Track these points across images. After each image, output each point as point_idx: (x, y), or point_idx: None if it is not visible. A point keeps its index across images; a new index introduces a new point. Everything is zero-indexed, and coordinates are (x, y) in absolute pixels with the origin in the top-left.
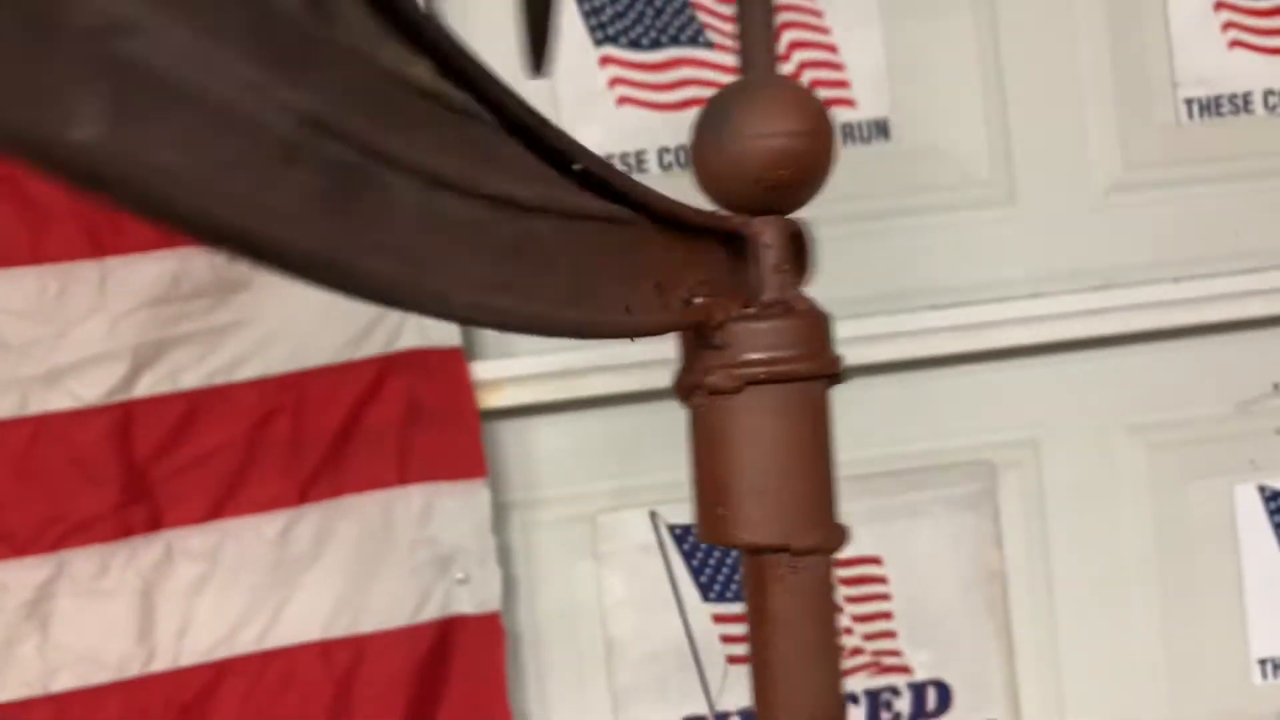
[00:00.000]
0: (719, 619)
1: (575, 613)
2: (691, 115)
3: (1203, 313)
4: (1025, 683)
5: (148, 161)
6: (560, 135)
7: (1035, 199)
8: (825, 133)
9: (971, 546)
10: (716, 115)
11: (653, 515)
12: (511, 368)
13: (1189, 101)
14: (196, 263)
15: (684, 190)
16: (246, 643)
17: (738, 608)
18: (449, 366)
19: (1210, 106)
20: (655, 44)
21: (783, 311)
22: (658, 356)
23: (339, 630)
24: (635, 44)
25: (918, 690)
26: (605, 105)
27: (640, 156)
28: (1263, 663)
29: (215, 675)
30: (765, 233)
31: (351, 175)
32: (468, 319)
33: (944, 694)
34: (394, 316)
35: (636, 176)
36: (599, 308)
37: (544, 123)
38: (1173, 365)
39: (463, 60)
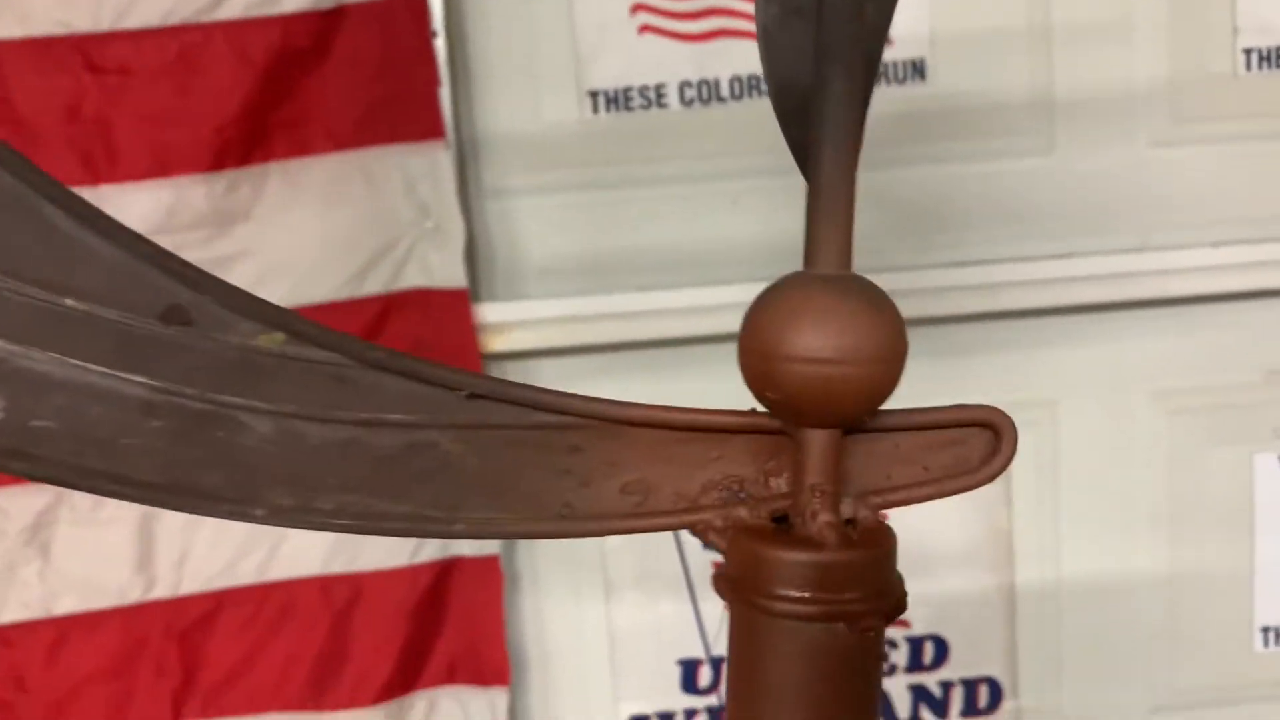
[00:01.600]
0: (719, 564)
1: (573, 555)
2: (718, 48)
3: (1241, 279)
4: (1024, 642)
5: (33, 425)
6: (435, 369)
7: (1074, 151)
8: (889, 358)
9: (980, 505)
10: (760, 317)
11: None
12: (518, 311)
13: (1248, 51)
14: (193, 192)
15: (710, 128)
16: (246, 574)
17: None
18: (453, 307)
19: (1271, 58)
20: None
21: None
22: (667, 306)
23: (338, 566)
24: None
25: (915, 643)
26: (626, 34)
27: (660, 90)
28: (1265, 631)
29: (214, 605)
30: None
31: (204, 418)
32: (337, 522)
33: (941, 648)
34: (398, 251)
35: (655, 111)
36: (515, 508)
37: (409, 363)
38: (1202, 330)
39: (311, 329)
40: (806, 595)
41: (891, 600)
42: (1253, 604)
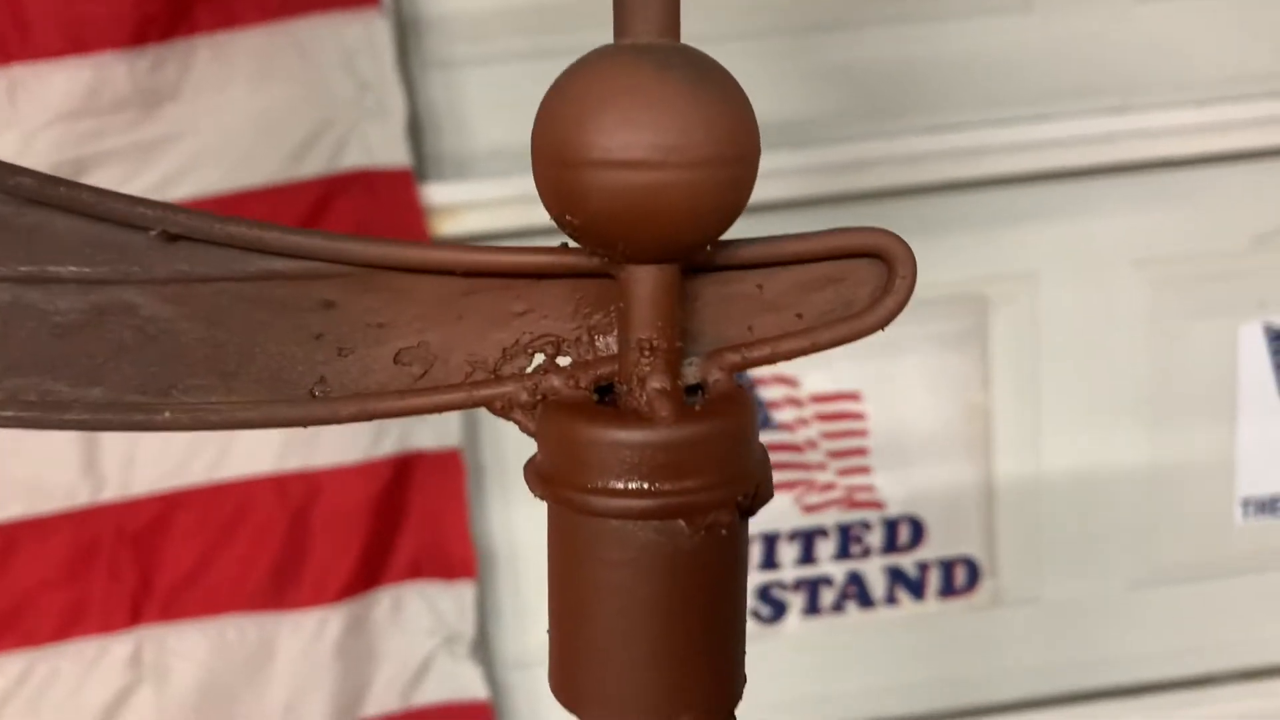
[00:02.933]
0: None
1: None
2: None
3: (1227, 140)
4: (1001, 522)
5: None
6: (117, 201)
7: (1052, 6)
8: (733, 160)
9: (956, 384)
10: (552, 110)
11: None
12: (468, 192)
13: None
14: (114, 71)
15: None
16: (197, 474)
17: None
18: (397, 189)
19: None
20: None
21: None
22: None
23: (293, 463)
24: None
25: (890, 525)
26: None
27: None
28: (1245, 503)
29: (166, 506)
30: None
31: None
32: (4, 414)
33: (917, 529)
34: (337, 130)
35: None
36: (250, 388)
37: (81, 193)
38: (1187, 196)
39: None
40: (634, 486)
41: (747, 487)
42: (1234, 477)
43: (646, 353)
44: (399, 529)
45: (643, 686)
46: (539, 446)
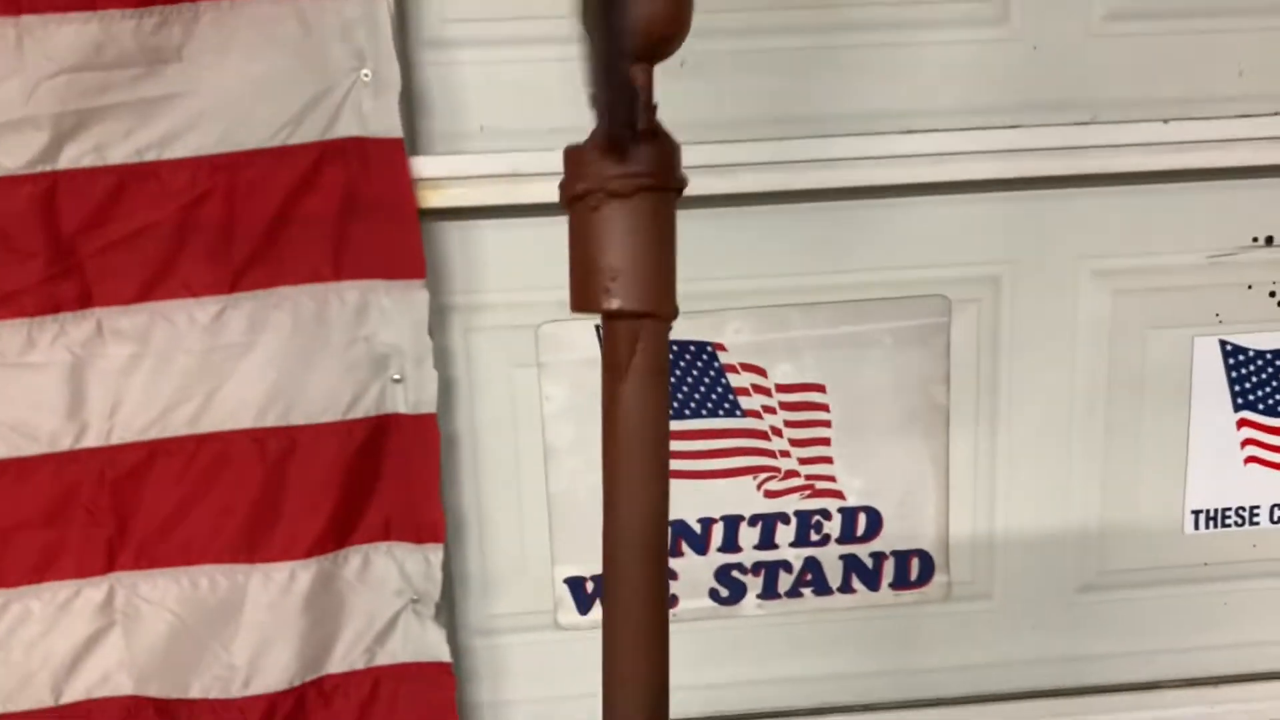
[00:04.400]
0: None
1: (515, 419)
2: None
3: (1191, 158)
4: (957, 517)
5: None
6: None
7: (1028, 20)
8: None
9: (918, 380)
10: None
11: (598, 329)
12: (457, 166)
13: None
14: (120, 27)
15: None
16: (179, 424)
17: (676, 424)
18: (388, 158)
19: None
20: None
21: (655, 138)
22: None
23: (272, 419)
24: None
25: (848, 515)
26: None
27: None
28: (1196, 513)
29: (147, 454)
30: (641, 78)
31: None
32: None
33: (874, 521)
34: (333, 98)
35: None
36: None
37: None
38: (1150, 210)
39: None
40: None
41: None
42: (1185, 487)
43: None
44: (372, 490)
45: None
46: None
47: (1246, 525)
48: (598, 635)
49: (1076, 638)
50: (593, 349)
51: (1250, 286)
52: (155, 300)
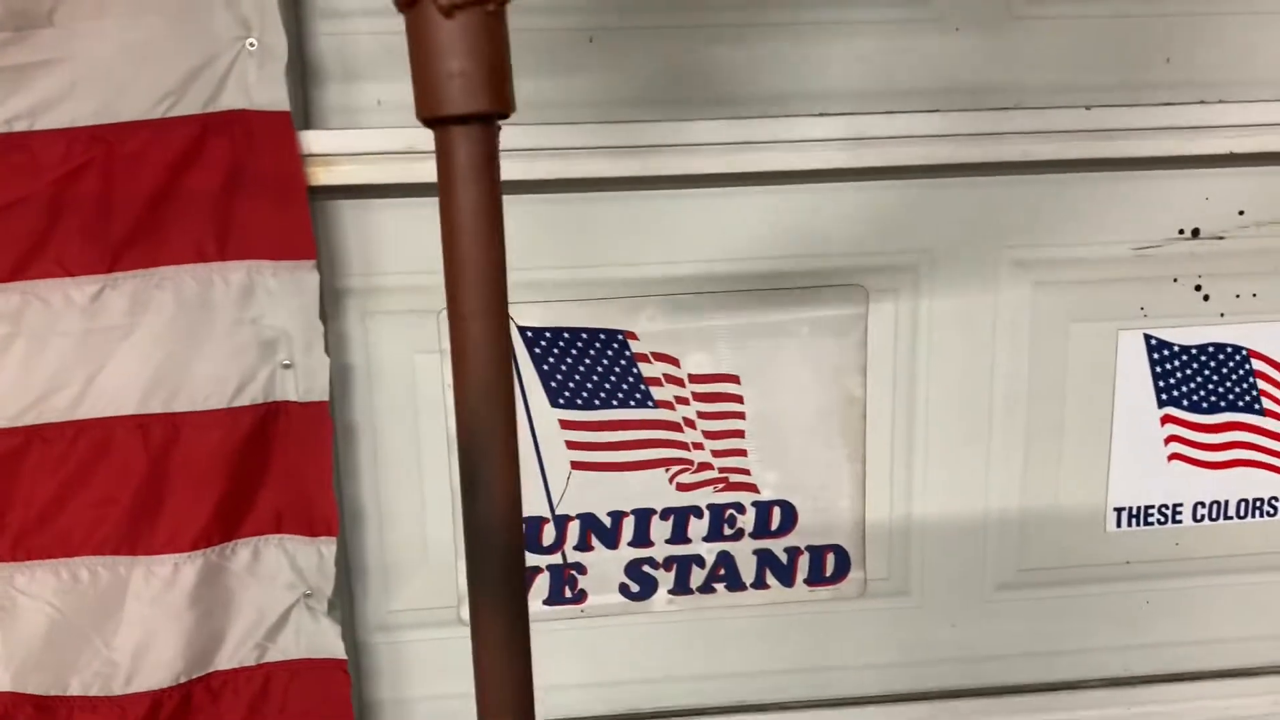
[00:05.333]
0: (566, 424)
1: (416, 407)
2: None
3: (1116, 146)
4: (874, 512)
5: None
6: None
7: (950, 1)
8: None
9: (834, 371)
10: None
11: (517, 327)
12: (351, 141)
13: None
14: None
15: None
16: (57, 410)
17: (586, 415)
18: (275, 132)
19: None
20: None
21: None
22: (521, 144)
23: (155, 405)
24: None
25: (763, 509)
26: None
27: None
28: (1119, 511)
29: (23, 441)
30: None
31: None
32: None
33: (788, 515)
34: (216, 68)
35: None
36: None
37: None
38: (1073, 199)
39: None
40: None
41: None
42: (1108, 484)
43: None
44: (261, 481)
45: None
46: None
47: (1169, 523)
48: None
49: (994, 636)
50: None
51: (1176, 279)
52: (28, 279)
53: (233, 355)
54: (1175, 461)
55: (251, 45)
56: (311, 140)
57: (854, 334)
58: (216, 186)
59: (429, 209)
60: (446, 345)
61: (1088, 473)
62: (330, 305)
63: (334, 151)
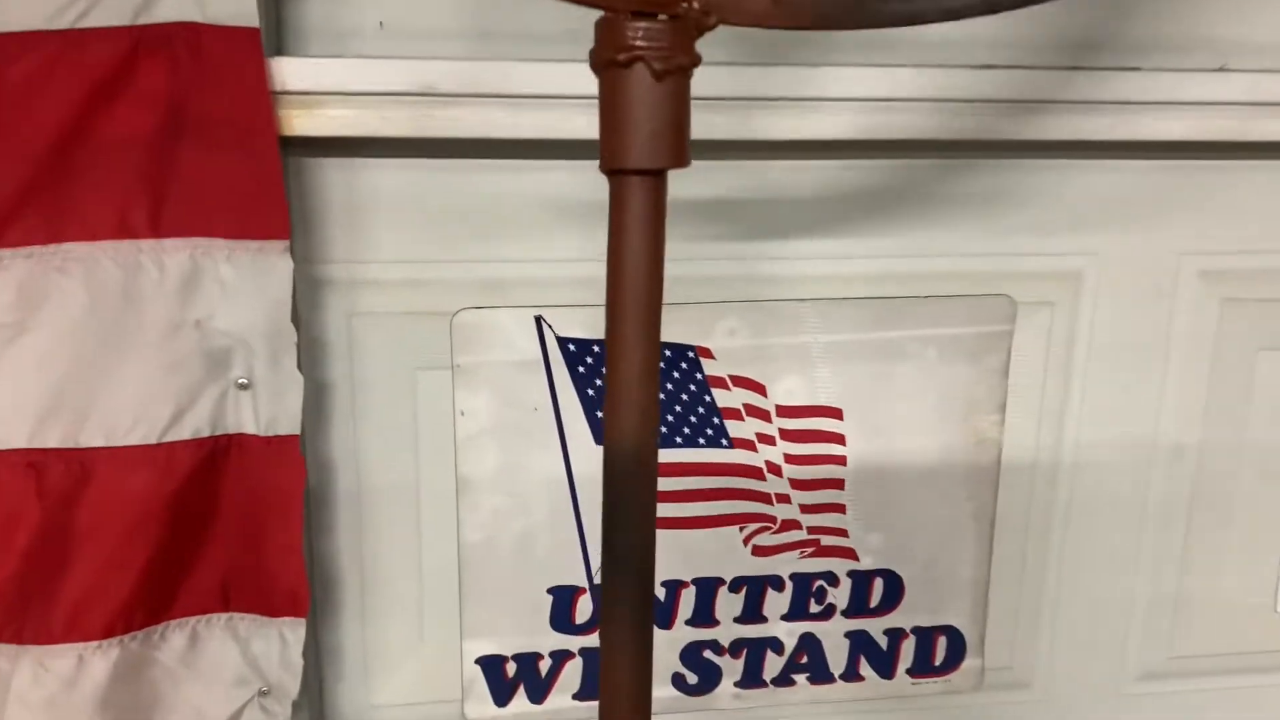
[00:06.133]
0: None
1: (416, 441)
2: None
3: None
4: (999, 586)
5: None
6: None
7: None
8: None
9: (963, 405)
10: None
11: (539, 321)
12: (342, 75)
13: None
14: None
15: None
16: None
17: None
18: (236, 57)
19: None
20: None
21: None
22: (558, 90)
23: (54, 438)
24: None
25: (860, 581)
26: None
27: None
28: None
29: None
30: None
31: None
32: None
33: (893, 588)
34: None
35: None
36: None
37: None
38: (1265, 193)
39: None
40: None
41: None
42: None
43: None
44: (203, 541)
45: None
46: None
47: None
48: None
49: None
50: (528, 347)
51: None
52: None
53: (168, 370)
54: None
55: None
56: (286, 71)
57: (993, 359)
58: (148, 132)
59: (444, 174)
60: (460, 359)
61: (1259, 540)
62: (306, 304)
63: (318, 89)
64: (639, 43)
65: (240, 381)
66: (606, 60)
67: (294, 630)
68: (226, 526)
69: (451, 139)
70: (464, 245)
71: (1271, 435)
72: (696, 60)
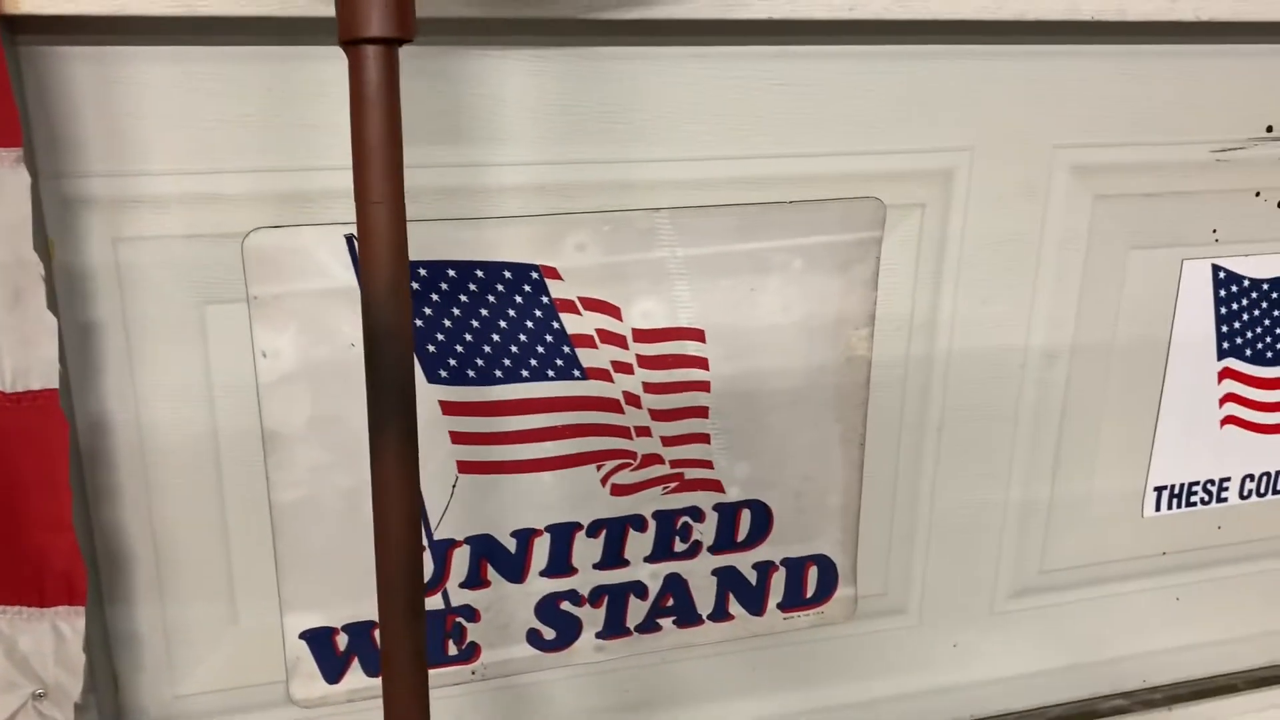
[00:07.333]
0: (450, 408)
1: (210, 389)
2: None
3: (1232, 6)
4: (870, 513)
5: None
6: None
7: None
8: None
9: (832, 320)
10: None
11: (351, 241)
12: None
13: None
14: None
15: None
16: None
17: (480, 393)
18: None
19: None
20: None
21: None
22: None
23: None
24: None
25: (727, 514)
26: None
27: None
28: (1159, 491)
29: None
30: None
31: None
32: None
33: (761, 520)
34: None
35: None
36: None
37: None
38: (1140, 82)
39: None
40: None
41: None
42: (1150, 461)
43: None
44: None
45: None
46: None
47: (1214, 503)
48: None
49: (1009, 653)
50: (339, 272)
51: (1259, 193)
52: None
53: None
54: (1229, 426)
55: None
56: None
57: (863, 269)
58: None
59: (225, 63)
60: (256, 290)
61: (1129, 444)
62: (59, 228)
63: None
64: None
65: None
66: None
67: (71, 621)
68: None
69: (231, 18)
70: (253, 152)
71: (1141, 337)
72: None
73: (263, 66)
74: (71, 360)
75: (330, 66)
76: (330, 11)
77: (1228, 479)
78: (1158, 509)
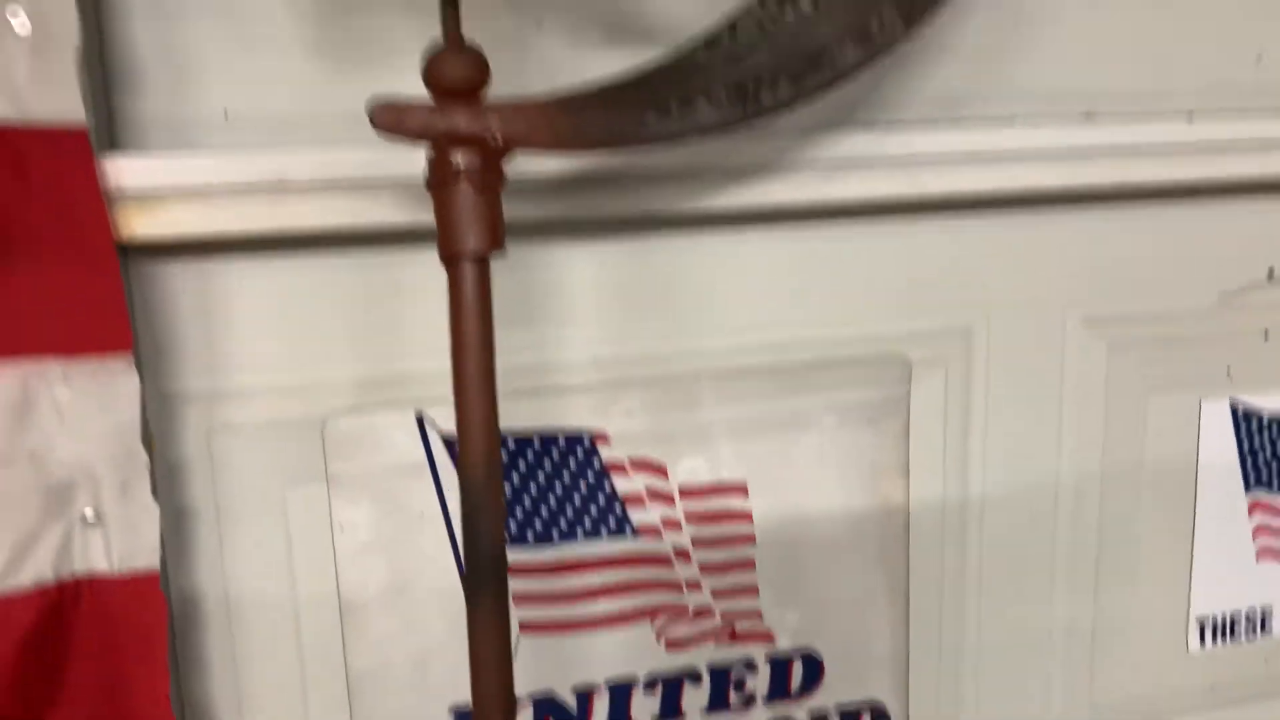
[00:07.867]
0: (514, 572)
1: (291, 564)
2: None
3: (1226, 165)
4: (919, 656)
5: None
6: None
7: None
8: None
9: (867, 472)
10: None
11: (420, 418)
12: (185, 171)
13: None
14: None
15: None
16: None
17: (537, 555)
18: (64, 158)
19: None
20: None
21: None
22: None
23: None
24: None
25: (779, 664)
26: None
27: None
28: (1201, 622)
29: None
30: None
31: None
32: None
33: (812, 669)
34: None
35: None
36: None
37: None
38: (1145, 237)
39: None
40: None
41: None
42: (1190, 592)
43: None
44: (55, 701)
45: None
46: None
47: (1258, 636)
48: None
49: None
50: (409, 450)
51: (1267, 333)
52: None
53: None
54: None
55: (21, 25)
56: (123, 170)
57: (892, 419)
58: None
59: (305, 270)
60: (334, 469)
61: (1166, 577)
62: (159, 422)
63: (159, 187)
64: (461, 167)
65: (87, 516)
66: (439, 180)
67: None
68: (81, 681)
69: (308, 231)
70: (328, 341)
71: (1169, 475)
72: (503, 176)
73: (346, 271)
74: (168, 542)
75: (406, 268)
76: (404, 218)
77: (1269, 608)
78: (1202, 643)
